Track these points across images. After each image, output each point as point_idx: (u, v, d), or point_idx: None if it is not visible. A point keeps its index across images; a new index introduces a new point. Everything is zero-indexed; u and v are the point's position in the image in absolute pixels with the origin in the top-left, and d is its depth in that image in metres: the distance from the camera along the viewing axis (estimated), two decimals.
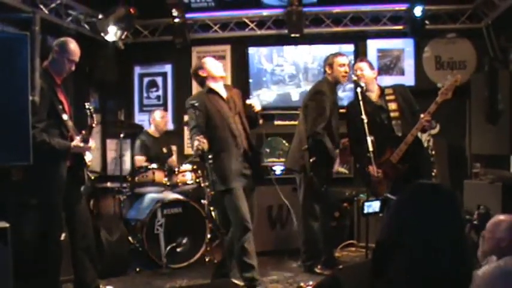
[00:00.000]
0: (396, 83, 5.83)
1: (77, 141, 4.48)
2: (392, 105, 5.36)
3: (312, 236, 5.64)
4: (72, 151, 4.46)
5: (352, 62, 7.52)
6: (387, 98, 5.39)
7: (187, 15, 7.53)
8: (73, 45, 4.61)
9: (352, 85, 7.31)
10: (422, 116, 5.11)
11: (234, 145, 4.85)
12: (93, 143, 4.68)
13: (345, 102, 7.57)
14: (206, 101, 4.88)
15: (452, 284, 1.72)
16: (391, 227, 1.81)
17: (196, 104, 4.74)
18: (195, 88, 8.02)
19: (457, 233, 1.76)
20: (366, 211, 4.90)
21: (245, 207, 4.77)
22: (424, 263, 1.69)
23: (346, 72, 5.66)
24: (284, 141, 7.59)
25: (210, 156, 4.63)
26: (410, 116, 5.28)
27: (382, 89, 5.50)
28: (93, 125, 4.58)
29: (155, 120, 7.08)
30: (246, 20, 7.71)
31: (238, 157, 4.86)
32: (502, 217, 3.06)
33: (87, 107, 4.58)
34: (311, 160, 5.46)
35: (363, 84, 5.34)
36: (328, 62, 5.71)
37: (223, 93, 5.01)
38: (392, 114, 5.33)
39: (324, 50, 7.44)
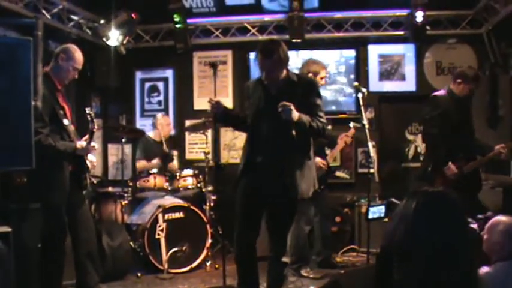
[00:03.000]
0: None
1: (81, 142, 4.50)
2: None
3: (301, 240, 5.69)
4: (77, 153, 4.47)
5: (354, 67, 7.61)
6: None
7: (189, 21, 7.56)
8: (79, 54, 4.65)
9: (351, 90, 7.42)
10: (499, 146, 5.18)
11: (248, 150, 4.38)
12: (95, 144, 4.70)
13: (344, 108, 7.65)
14: (251, 90, 4.42)
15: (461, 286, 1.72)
16: (397, 235, 1.80)
17: (246, 91, 4.47)
18: (197, 93, 8.07)
19: (465, 239, 1.77)
20: (370, 216, 4.90)
21: (241, 227, 4.37)
22: (434, 270, 1.69)
23: None
24: None
25: None
26: None
27: None
28: (94, 129, 4.59)
29: (161, 125, 7.10)
30: (248, 26, 7.73)
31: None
32: (500, 219, 3.03)
33: (87, 111, 4.59)
34: None
35: (364, 90, 5.43)
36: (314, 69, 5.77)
37: (273, 87, 4.27)
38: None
39: (326, 56, 7.47)
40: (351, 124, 5.95)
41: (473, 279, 1.75)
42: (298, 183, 4.20)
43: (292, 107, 4.01)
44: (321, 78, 5.76)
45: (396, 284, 1.74)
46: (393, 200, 4.83)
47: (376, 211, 4.80)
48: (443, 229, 1.73)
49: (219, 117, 4.47)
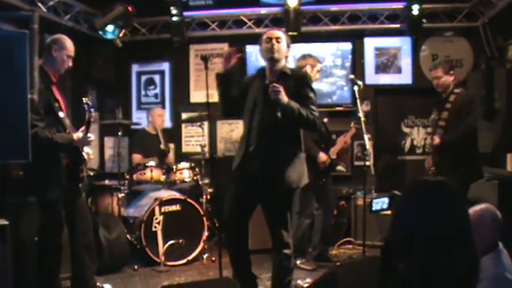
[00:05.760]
0: (462, 92, 5.62)
1: (78, 134, 4.48)
2: (444, 114, 5.40)
3: (300, 231, 5.72)
4: (74, 144, 4.45)
5: (350, 60, 7.61)
6: (446, 105, 5.41)
7: (185, 13, 7.54)
8: (69, 42, 4.62)
9: (343, 82, 7.44)
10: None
11: (243, 140, 4.40)
12: (91, 135, 4.65)
13: (340, 101, 7.64)
14: (251, 80, 4.51)
15: (464, 277, 1.72)
16: (399, 226, 1.81)
17: (245, 80, 4.59)
18: (193, 86, 8.07)
19: (466, 227, 1.77)
20: (374, 208, 4.95)
21: (227, 210, 4.42)
22: (436, 259, 1.69)
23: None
24: None
25: None
26: (456, 126, 5.31)
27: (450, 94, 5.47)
28: (92, 119, 4.54)
29: (152, 116, 7.13)
30: (244, 18, 7.72)
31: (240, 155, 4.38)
32: (482, 211, 2.88)
33: (84, 101, 4.53)
34: None
35: (360, 83, 5.44)
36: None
37: (269, 77, 4.34)
38: (440, 123, 5.39)
39: (322, 48, 7.47)
40: (352, 124, 5.96)
41: (475, 268, 1.76)
42: (288, 173, 4.20)
43: (282, 89, 4.07)
44: (318, 71, 5.78)
45: (400, 276, 1.75)
46: (396, 192, 4.84)
47: (380, 203, 4.84)
48: (442, 218, 1.73)
49: (226, 73, 4.46)
